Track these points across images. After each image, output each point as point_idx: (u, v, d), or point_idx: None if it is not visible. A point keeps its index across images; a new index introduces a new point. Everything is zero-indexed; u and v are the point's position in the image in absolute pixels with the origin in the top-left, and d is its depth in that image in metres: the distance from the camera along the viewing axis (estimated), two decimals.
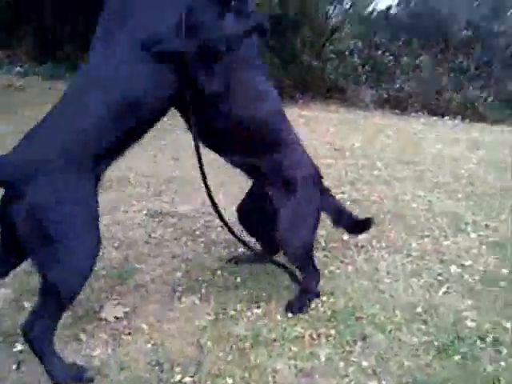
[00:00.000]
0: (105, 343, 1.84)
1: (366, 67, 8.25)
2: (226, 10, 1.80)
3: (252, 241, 2.43)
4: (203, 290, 2.20)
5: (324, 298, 2.16)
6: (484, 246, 2.75)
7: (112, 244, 2.59)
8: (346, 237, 2.73)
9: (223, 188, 3.21)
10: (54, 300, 1.51)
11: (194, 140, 1.92)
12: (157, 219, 2.97)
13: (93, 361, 1.74)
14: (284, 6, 7.42)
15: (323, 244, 2.69)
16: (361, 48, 8.26)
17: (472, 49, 8.28)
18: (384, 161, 4.51)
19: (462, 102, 7.72)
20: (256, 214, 2.25)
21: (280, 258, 2.25)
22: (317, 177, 2.14)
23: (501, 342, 1.92)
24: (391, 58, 8.26)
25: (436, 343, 1.90)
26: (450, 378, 1.72)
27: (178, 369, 1.72)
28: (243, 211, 2.33)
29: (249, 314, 2.05)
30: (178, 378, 1.69)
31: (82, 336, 1.87)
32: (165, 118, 1.82)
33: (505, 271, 2.48)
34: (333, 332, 1.94)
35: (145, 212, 3.06)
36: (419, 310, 2.12)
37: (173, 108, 1.87)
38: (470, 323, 2.03)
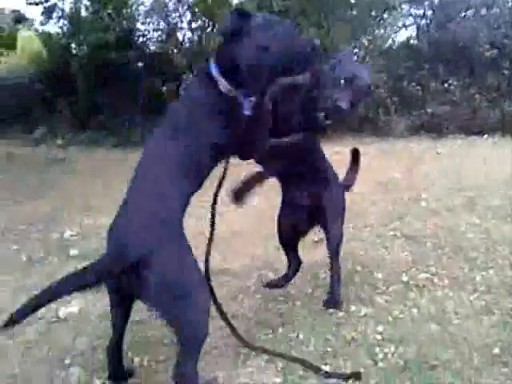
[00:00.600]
0: None
1: (394, 98, 8.26)
2: None
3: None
4: None
5: (392, 348, 2.07)
6: None
7: None
8: (405, 278, 2.64)
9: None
10: (196, 343, 1.69)
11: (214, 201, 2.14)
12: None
13: None
14: None
15: (383, 288, 2.60)
16: (385, 80, 8.29)
17: (501, 66, 8.20)
18: (429, 190, 4.41)
19: (499, 118, 7.59)
20: (290, 224, 2.53)
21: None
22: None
23: None
24: (418, 87, 8.26)
25: None
26: None
27: None
28: (281, 223, 2.59)
29: None
30: None
31: None
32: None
33: None
34: None
35: None
36: (497, 350, 2.00)
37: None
38: None
